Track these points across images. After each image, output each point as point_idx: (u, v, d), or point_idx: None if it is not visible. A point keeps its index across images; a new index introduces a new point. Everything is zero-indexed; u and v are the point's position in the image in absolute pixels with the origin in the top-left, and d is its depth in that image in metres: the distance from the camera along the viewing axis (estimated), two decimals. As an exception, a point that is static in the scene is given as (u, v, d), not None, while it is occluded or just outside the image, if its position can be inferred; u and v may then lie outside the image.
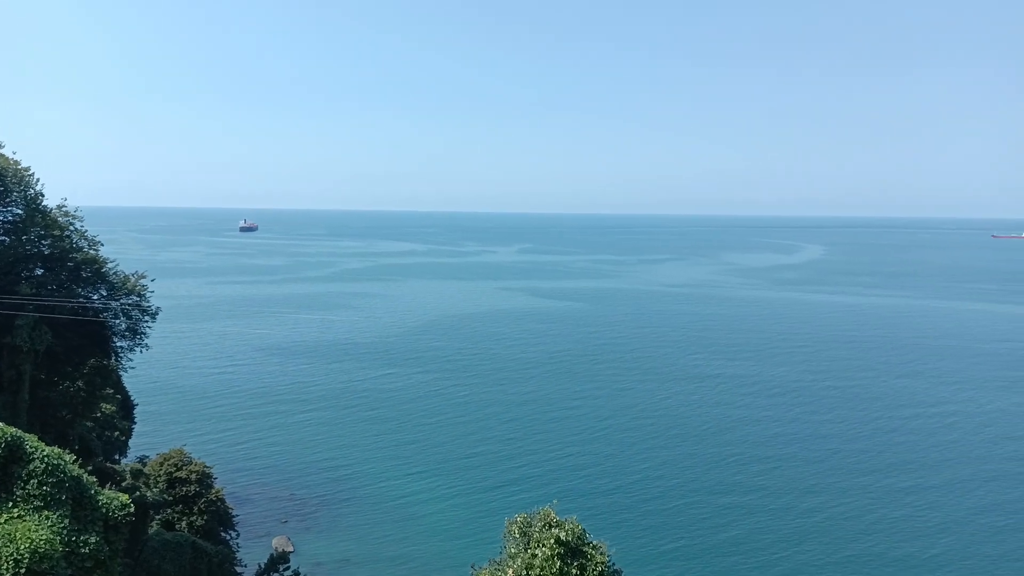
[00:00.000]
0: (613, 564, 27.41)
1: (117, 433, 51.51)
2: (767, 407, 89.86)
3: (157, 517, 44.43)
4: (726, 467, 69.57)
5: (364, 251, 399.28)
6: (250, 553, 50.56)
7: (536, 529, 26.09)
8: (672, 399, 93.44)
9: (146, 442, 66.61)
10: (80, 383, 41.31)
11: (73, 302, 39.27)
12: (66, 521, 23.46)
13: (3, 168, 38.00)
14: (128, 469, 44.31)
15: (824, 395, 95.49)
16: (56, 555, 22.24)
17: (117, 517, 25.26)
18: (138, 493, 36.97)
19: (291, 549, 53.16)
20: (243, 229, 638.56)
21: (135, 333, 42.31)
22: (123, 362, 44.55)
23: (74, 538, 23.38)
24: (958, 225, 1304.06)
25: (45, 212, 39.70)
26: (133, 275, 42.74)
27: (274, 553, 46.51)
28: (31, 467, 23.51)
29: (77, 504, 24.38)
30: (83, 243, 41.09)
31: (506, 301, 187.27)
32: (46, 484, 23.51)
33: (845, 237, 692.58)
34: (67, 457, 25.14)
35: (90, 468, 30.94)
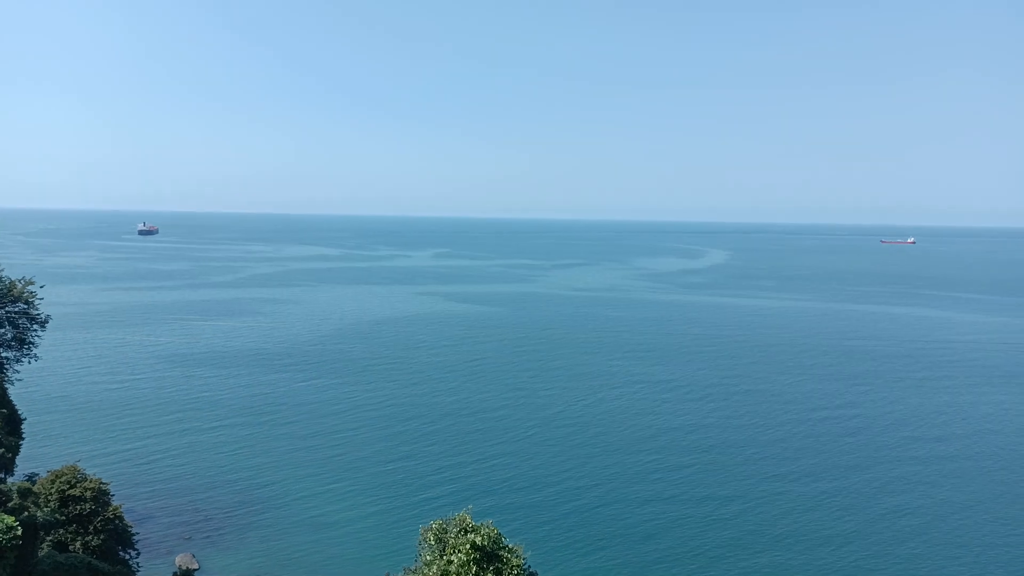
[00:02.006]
0: (529, 567, 27.76)
1: (2, 450, 48.14)
2: (683, 411, 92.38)
3: (48, 538, 41.82)
4: (644, 471, 70.90)
5: (273, 256, 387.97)
6: (152, 572, 48.31)
7: (452, 535, 26.15)
8: (589, 403, 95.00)
9: (36, 459, 62.61)
10: (-40, 398, 38.39)
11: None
12: (-56, 547, 21.78)
13: None
14: (15, 488, 41.47)
15: (737, 398, 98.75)
16: (-67, 584, 20.64)
17: (2, 541, 23.66)
18: (26, 513, 34.66)
19: (196, 566, 51.08)
20: (142, 232, 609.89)
21: (22, 343, 39.76)
22: (9, 374, 41.72)
23: (-47, 565, 21.74)
24: (850, 231, 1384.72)
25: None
26: (20, 281, 40.19)
27: (177, 571, 44.60)
28: (-97, 490, 21.74)
29: (-43, 528, 22.69)
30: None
31: (422, 306, 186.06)
32: (-79, 508, 21.78)
33: (746, 243, 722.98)
34: (-55, 478, 23.36)
35: (-29, 489, 28.83)
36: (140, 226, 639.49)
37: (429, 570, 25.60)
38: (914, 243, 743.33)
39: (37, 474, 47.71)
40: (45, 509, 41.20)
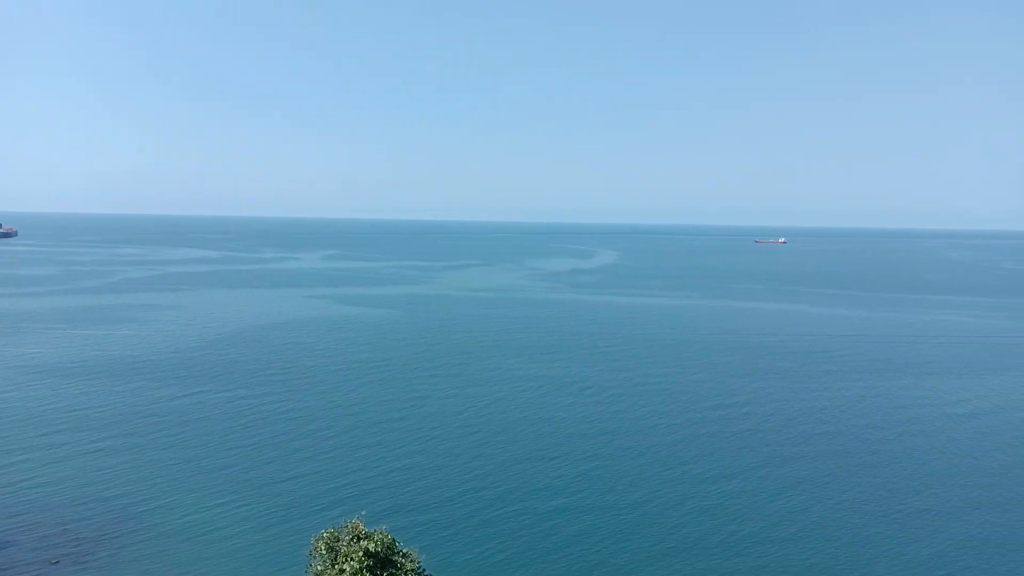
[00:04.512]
0: (424, 570, 27.51)
1: None
2: (580, 407, 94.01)
3: None
4: (544, 474, 70.96)
5: (149, 259, 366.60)
6: (13, 603, 44.41)
7: (344, 543, 25.50)
8: (487, 406, 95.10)
9: None
10: None
11: None
12: None
13: None
14: None
15: (634, 397, 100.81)
16: None
17: None
18: None
19: (65, 593, 47.43)
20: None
21: None
22: None
23: None
24: (725, 232, 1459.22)
25: None
26: None
27: (43, 600, 41.20)
28: None
29: None
30: None
31: (313, 310, 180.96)
32: None
33: (632, 243, 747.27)
34: None
35: None
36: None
37: (320, 581, 24.85)
38: (785, 243, 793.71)
39: None
40: None
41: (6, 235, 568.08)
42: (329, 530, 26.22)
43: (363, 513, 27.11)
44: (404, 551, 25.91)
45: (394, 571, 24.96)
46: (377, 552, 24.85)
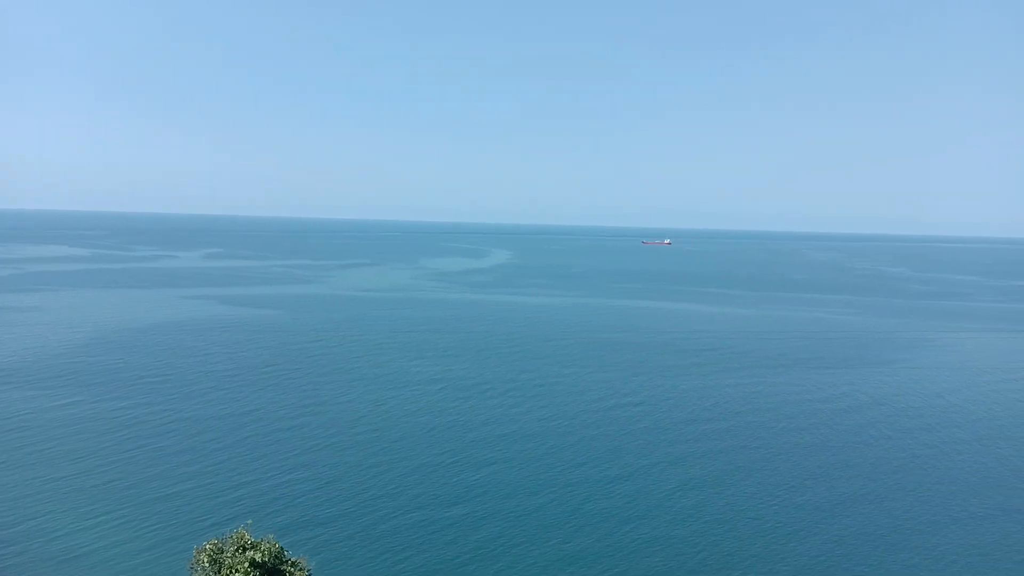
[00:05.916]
0: (314, 578, 26.92)
1: None
2: (477, 410, 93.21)
3: None
4: (443, 475, 70.22)
5: (2, 257, 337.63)
6: None
7: (228, 555, 24.55)
8: (382, 408, 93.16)
9: None
10: None
11: None
12: None
13: None
14: None
15: (530, 393, 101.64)
16: None
17: None
18: None
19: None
20: None
21: None
22: None
23: None
24: (614, 233, 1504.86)
25: None
26: None
27: None
28: None
29: None
30: None
31: (195, 311, 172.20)
32: None
33: (523, 243, 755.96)
34: None
35: None
36: None
37: (203, 595, 23.86)
38: (670, 244, 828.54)
39: None
40: None
41: None
42: (213, 541, 25.18)
43: (249, 522, 26.23)
44: (293, 560, 25.27)
45: (282, 580, 24.29)
46: (264, 562, 24.11)
